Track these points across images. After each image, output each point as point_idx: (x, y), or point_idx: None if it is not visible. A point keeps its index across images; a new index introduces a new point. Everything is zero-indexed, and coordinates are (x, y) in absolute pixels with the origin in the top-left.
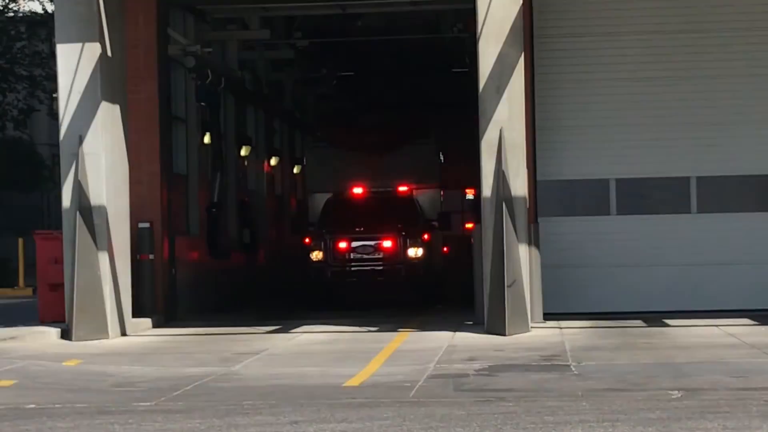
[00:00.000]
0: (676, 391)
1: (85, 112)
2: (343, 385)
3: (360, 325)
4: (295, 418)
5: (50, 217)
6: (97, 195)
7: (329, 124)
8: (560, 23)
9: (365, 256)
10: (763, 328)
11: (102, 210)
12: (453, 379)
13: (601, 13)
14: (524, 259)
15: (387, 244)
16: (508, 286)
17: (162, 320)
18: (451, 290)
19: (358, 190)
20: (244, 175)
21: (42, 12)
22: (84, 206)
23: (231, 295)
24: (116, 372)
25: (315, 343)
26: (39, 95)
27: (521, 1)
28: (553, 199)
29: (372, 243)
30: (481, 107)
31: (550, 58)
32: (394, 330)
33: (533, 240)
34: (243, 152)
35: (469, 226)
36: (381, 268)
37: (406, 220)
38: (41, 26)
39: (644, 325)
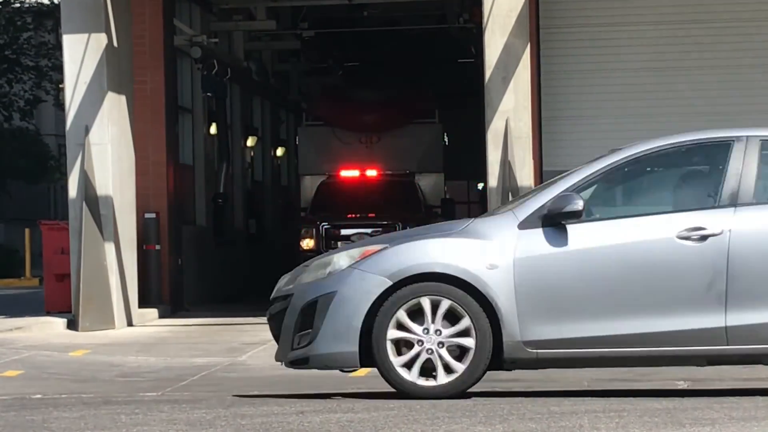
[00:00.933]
0: (682, 381)
1: (92, 103)
2: (349, 375)
3: None
4: (301, 407)
5: (56, 207)
6: (104, 185)
7: (322, 100)
8: (566, 14)
9: None
10: None
11: (108, 200)
12: None
13: (608, 4)
14: None
15: (385, 231)
16: None
17: (168, 310)
18: None
19: (354, 173)
20: (250, 166)
21: (48, 2)
22: (90, 196)
23: (237, 286)
24: (122, 362)
25: None
26: (45, 86)
27: None
28: None
29: (369, 231)
30: (486, 97)
31: (556, 48)
32: None
33: None
34: (249, 143)
35: None
36: None
37: (406, 206)
38: (47, 17)
39: None
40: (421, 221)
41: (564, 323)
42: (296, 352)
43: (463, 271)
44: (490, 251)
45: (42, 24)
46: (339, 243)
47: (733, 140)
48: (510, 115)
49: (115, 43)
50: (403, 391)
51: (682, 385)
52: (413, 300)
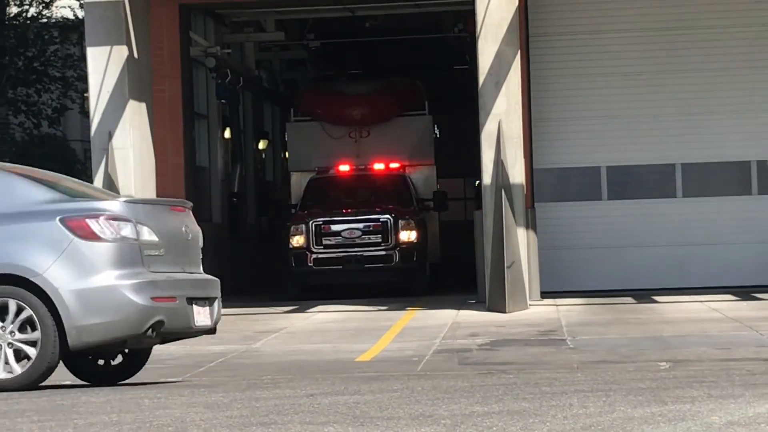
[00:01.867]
0: (665, 363)
1: (114, 110)
2: (356, 359)
3: (370, 305)
4: (311, 391)
5: None
6: (126, 187)
7: (310, 94)
8: (553, 23)
9: (352, 241)
10: (744, 303)
11: None
12: (457, 354)
13: (591, 13)
14: (522, 241)
15: (376, 227)
16: (507, 267)
17: None
18: (450, 274)
19: (343, 168)
20: (261, 167)
21: (73, 18)
22: None
23: (251, 279)
24: None
25: (329, 322)
26: (71, 95)
27: (517, 3)
28: (548, 185)
29: (359, 226)
30: (480, 101)
31: (544, 55)
32: (403, 309)
33: (530, 224)
34: (261, 146)
35: None
36: (370, 253)
37: (397, 200)
38: (72, 31)
39: (634, 301)
40: (413, 214)
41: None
42: None
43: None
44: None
45: (68, 37)
46: (329, 239)
47: None
48: (502, 118)
49: (136, 55)
50: None
51: (664, 366)
52: None
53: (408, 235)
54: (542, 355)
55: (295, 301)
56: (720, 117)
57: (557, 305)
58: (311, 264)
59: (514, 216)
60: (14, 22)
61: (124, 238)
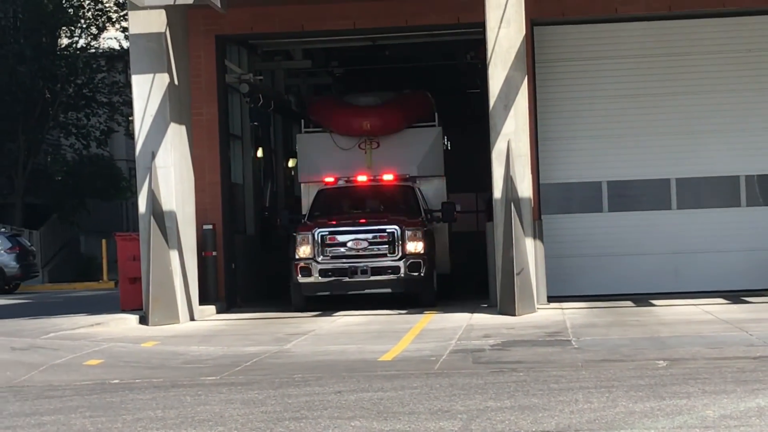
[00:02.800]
0: (662, 361)
1: (157, 132)
2: (379, 359)
3: (391, 310)
4: (338, 388)
5: (128, 221)
6: (168, 202)
7: (320, 105)
8: (557, 50)
9: (359, 252)
10: (734, 306)
11: (172, 215)
12: (472, 354)
13: (592, 41)
14: (530, 250)
15: (383, 238)
16: (517, 274)
17: (224, 307)
18: (462, 283)
19: (352, 179)
20: (291, 183)
21: (119, 48)
22: (157, 212)
23: (282, 286)
24: (186, 351)
25: (353, 325)
26: (117, 118)
27: (524, 32)
28: (553, 199)
29: (366, 236)
30: (491, 122)
31: (549, 79)
32: (420, 313)
33: (538, 234)
34: (290, 164)
35: None
36: (376, 264)
37: (405, 211)
38: (118, 60)
39: (633, 305)
40: (420, 225)
41: None
42: None
43: None
44: None
45: (114, 66)
46: (335, 250)
47: None
48: (511, 137)
49: (176, 81)
50: None
51: (661, 365)
52: None
53: (415, 246)
54: (549, 354)
55: (322, 306)
56: (711, 136)
57: (563, 309)
58: (317, 275)
59: (522, 227)
60: (65, 52)
61: None
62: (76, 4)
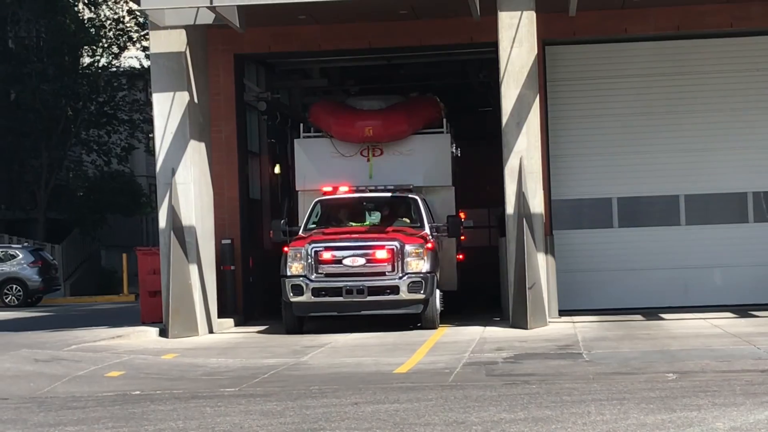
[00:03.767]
0: (672, 374)
1: (177, 149)
2: (394, 372)
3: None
4: (355, 400)
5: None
6: (188, 217)
7: (320, 109)
8: (568, 69)
9: (355, 270)
10: (742, 320)
11: (192, 229)
12: (485, 366)
13: (601, 61)
14: (542, 265)
15: (382, 254)
16: (529, 288)
17: (242, 320)
18: (474, 297)
19: (353, 189)
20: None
21: (139, 67)
22: (177, 227)
23: None
24: (206, 363)
25: (368, 338)
26: (138, 135)
27: (536, 52)
28: (565, 215)
29: (364, 253)
30: (504, 140)
31: (560, 98)
32: (442, 322)
33: (549, 249)
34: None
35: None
36: (373, 283)
37: (409, 224)
38: (139, 78)
39: (643, 319)
40: (424, 240)
41: None
42: None
43: None
44: None
45: (134, 85)
46: (329, 267)
47: None
48: (523, 154)
49: (196, 99)
50: None
51: (671, 377)
52: None
53: (417, 264)
54: (561, 367)
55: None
56: (719, 153)
57: (574, 322)
58: (310, 294)
59: (534, 242)
60: (87, 71)
61: None
62: (97, 24)
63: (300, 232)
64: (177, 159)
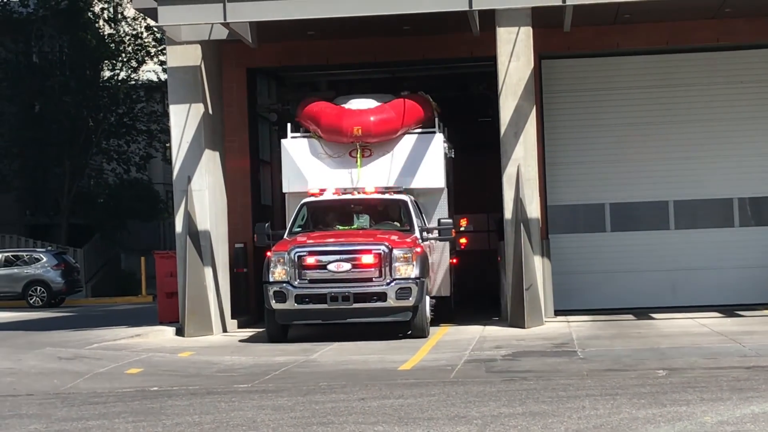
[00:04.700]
0: (662, 371)
1: (192, 158)
2: (399, 368)
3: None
4: (362, 395)
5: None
6: (203, 222)
7: (307, 108)
8: (564, 81)
9: (341, 276)
10: (728, 319)
11: (207, 234)
12: (485, 363)
13: (595, 74)
14: (538, 267)
15: (369, 259)
16: (526, 289)
17: (254, 320)
18: (468, 304)
19: (340, 191)
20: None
21: (157, 80)
22: (192, 231)
23: None
24: (220, 361)
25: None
26: (155, 145)
27: (532, 65)
28: (560, 220)
29: (350, 257)
30: (502, 149)
31: (556, 108)
32: (436, 326)
33: (545, 252)
34: None
35: (462, 241)
36: (359, 289)
37: (398, 228)
38: (156, 91)
39: (634, 318)
40: (413, 244)
41: None
42: None
43: None
44: None
45: (152, 97)
46: (313, 272)
47: None
48: (520, 162)
49: (210, 111)
50: None
51: (661, 374)
52: None
53: (406, 269)
54: (557, 364)
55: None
56: (706, 161)
57: (569, 322)
58: (292, 301)
59: (531, 246)
60: (107, 84)
61: None
62: (117, 39)
63: (285, 236)
64: (192, 167)
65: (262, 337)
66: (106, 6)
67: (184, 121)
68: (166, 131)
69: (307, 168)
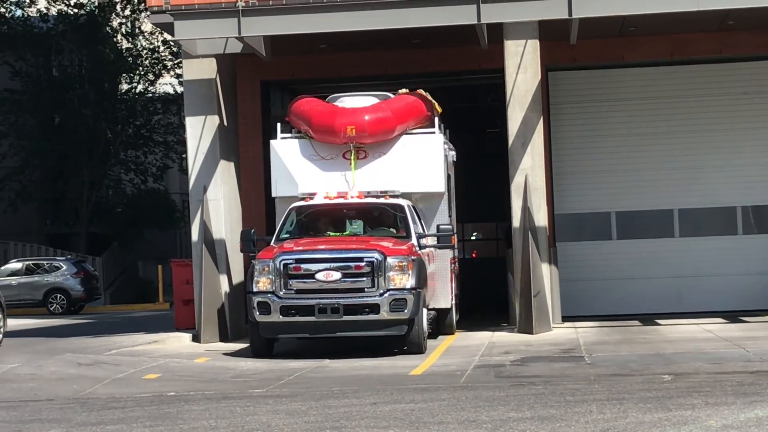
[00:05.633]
0: (668, 375)
1: (208, 168)
2: (409, 374)
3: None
4: (373, 400)
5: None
6: (218, 231)
7: (299, 106)
8: (570, 93)
9: (330, 286)
10: (732, 325)
11: (222, 243)
12: (494, 368)
13: (601, 85)
14: (546, 274)
15: (359, 267)
16: (534, 296)
17: None
18: (470, 316)
19: (332, 195)
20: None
21: (173, 92)
22: (208, 240)
23: None
24: (235, 366)
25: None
26: (172, 156)
27: (540, 77)
28: (567, 228)
29: (340, 266)
30: (510, 158)
31: (562, 119)
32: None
33: (553, 260)
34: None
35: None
36: (350, 301)
37: (394, 235)
38: (173, 103)
39: (640, 324)
40: (409, 252)
41: None
42: None
43: None
44: None
45: (169, 109)
46: (300, 282)
47: None
48: (528, 172)
49: (225, 122)
50: None
51: (667, 379)
52: None
53: (401, 279)
54: (565, 369)
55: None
56: (710, 170)
57: (576, 327)
58: (278, 313)
59: (539, 253)
60: (125, 96)
61: None
62: (135, 53)
63: (272, 243)
64: (208, 177)
65: (276, 343)
66: (123, 21)
67: (199, 132)
68: (183, 142)
69: (297, 171)
